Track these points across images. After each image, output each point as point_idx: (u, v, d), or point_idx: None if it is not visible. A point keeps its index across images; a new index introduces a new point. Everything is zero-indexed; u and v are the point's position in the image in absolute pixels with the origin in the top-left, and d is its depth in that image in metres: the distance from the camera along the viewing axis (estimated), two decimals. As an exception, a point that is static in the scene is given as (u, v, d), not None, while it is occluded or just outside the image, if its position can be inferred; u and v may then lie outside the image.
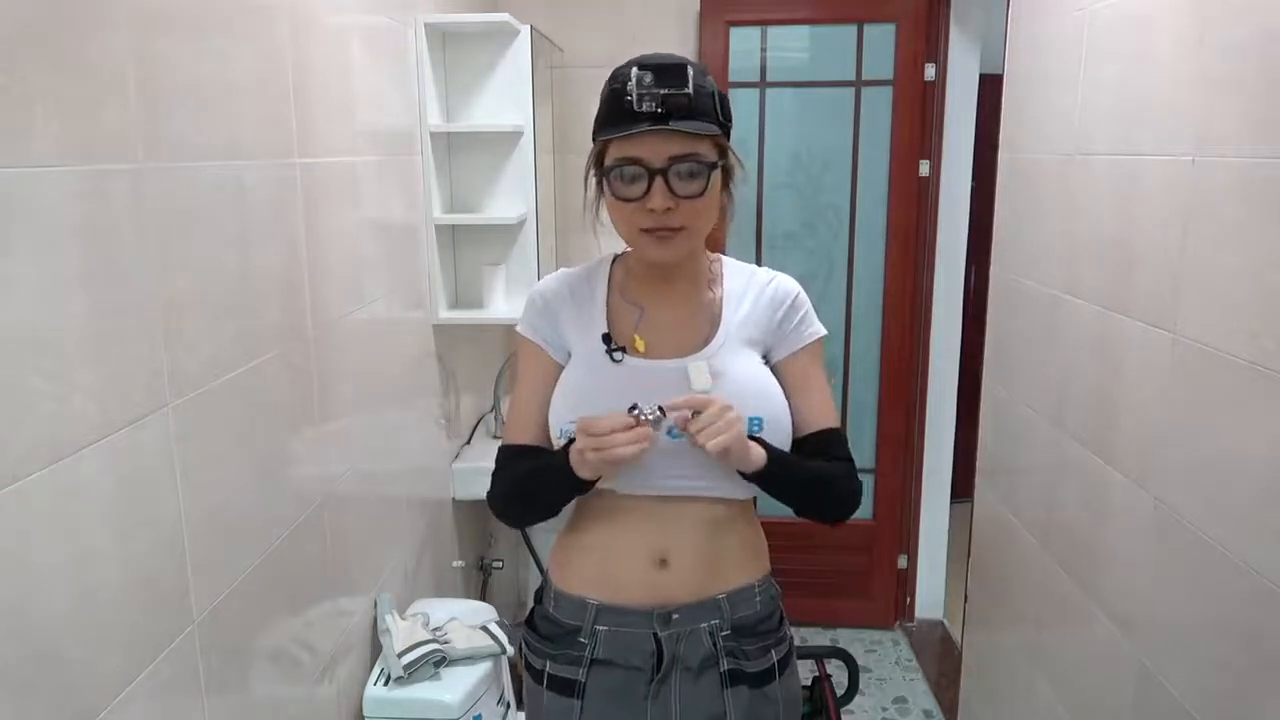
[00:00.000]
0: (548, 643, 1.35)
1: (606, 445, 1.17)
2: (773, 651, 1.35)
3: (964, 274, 3.30)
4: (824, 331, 1.37)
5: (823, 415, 1.35)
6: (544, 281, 1.39)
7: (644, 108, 1.16)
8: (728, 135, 1.25)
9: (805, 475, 1.31)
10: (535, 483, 1.33)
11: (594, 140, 1.25)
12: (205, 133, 1.32)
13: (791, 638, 1.42)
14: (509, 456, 1.37)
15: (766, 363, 1.34)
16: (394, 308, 2.20)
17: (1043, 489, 2.12)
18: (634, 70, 1.17)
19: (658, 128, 1.16)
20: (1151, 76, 1.64)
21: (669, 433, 1.19)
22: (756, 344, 1.33)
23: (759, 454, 1.24)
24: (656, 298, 1.33)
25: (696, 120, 1.18)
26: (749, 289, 1.35)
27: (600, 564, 1.33)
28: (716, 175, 1.23)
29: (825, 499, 1.35)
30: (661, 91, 1.16)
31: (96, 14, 1.08)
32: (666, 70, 1.17)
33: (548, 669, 1.34)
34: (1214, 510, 1.45)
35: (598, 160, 1.26)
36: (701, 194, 1.21)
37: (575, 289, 1.36)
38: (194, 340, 1.29)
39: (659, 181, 1.19)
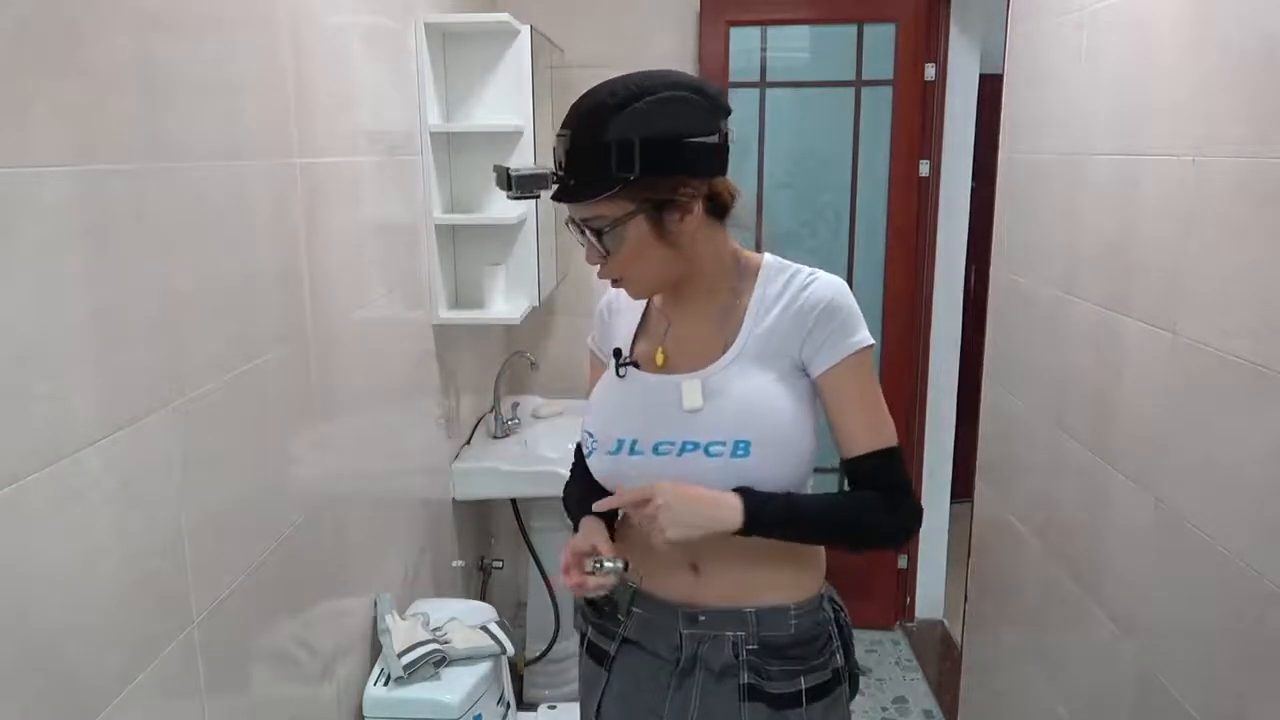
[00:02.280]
0: (594, 612, 1.42)
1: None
2: (803, 678, 1.29)
3: (964, 274, 3.30)
4: (868, 341, 1.24)
5: (867, 437, 1.25)
6: (606, 292, 1.42)
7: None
8: (657, 179, 1.16)
9: (816, 524, 1.25)
10: (573, 518, 1.42)
11: None
12: (205, 133, 1.32)
13: (839, 668, 1.34)
14: (576, 461, 1.49)
15: (806, 376, 1.26)
16: (394, 307, 2.20)
17: (1043, 489, 2.12)
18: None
19: (562, 199, 1.22)
20: (1151, 76, 1.64)
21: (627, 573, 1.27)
22: (777, 356, 1.25)
23: (731, 517, 1.19)
24: (679, 310, 1.33)
25: (582, 187, 1.19)
26: (782, 296, 1.27)
27: (641, 556, 1.31)
28: (632, 226, 1.18)
29: (855, 540, 1.32)
30: (543, 172, 1.21)
31: (96, 14, 1.08)
32: (555, 150, 1.20)
33: (589, 634, 1.43)
34: (1214, 510, 1.45)
35: None
36: (605, 253, 1.22)
37: (624, 301, 1.39)
38: (194, 340, 1.29)
39: (587, 236, 1.22)
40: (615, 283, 1.28)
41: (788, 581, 1.32)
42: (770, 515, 1.21)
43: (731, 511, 1.19)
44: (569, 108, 1.20)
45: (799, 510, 1.23)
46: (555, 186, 1.21)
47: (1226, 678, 1.43)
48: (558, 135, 1.20)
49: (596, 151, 1.15)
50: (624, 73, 1.20)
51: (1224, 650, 1.43)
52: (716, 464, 1.23)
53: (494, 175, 1.24)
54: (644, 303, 1.38)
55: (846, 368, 1.24)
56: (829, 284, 1.26)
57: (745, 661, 1.29)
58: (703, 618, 1.31)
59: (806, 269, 1.29)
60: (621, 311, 1.41)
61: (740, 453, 1.22)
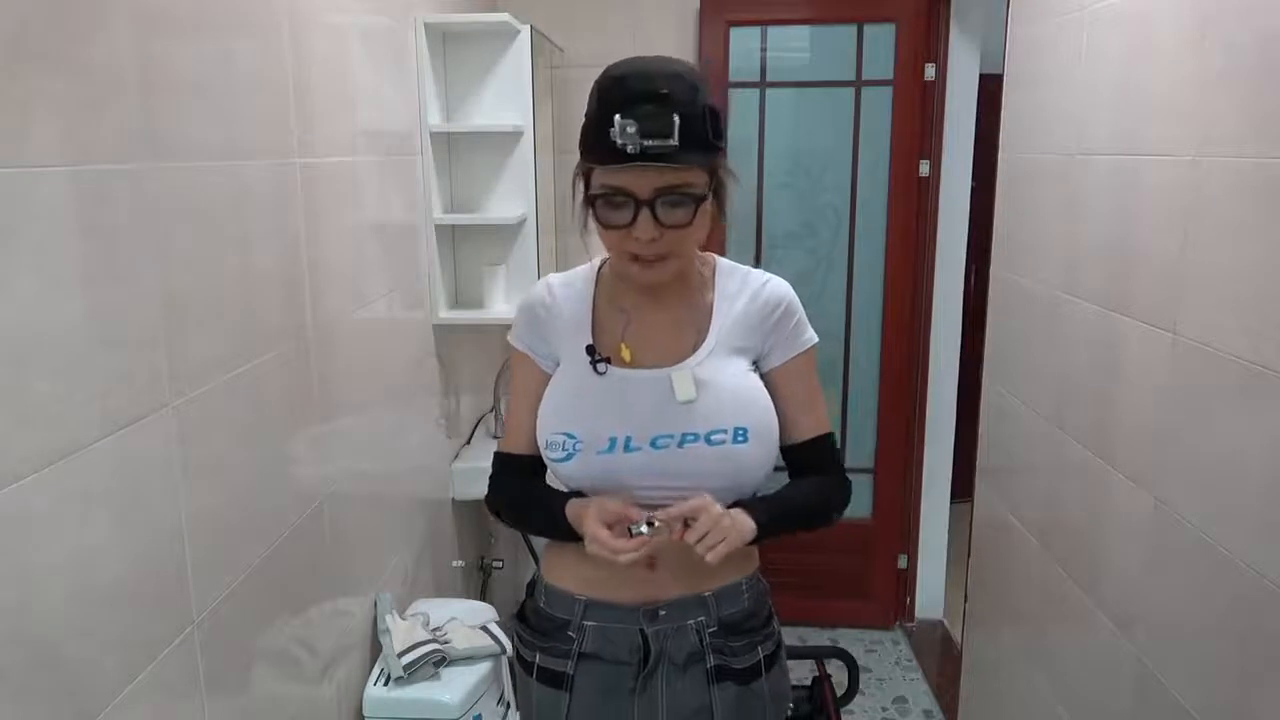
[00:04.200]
0: (538, 635, 1.37)
1: (610, 552, 1.20)
2: (759, 648, 1.35)
3: (964, 274, 3.30)
4: (816, 339, 1.36)
5: (815, 423, 1.35)
6: (533, 290, 1.38)
7: (629, 150, 1.13)
8: (722, 153, 1.22)
9: (796, 517, 1.33)
10: (533, 519, 1.38)
11: (581, 156, 1.22)
12: (205, 133, 1.32)
13: (780, 635, 1.42)
14: (503, 467, 1.42)
15: (758, 369, 1.33)
16: (394, 308, 2.20)
17: (1043, 489, 2.12)
18: (617, 118, 1.12)
19: (646, 164, 1.14)
20: (1151, 76, 1.64)
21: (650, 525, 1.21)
22: (746, 350, 1.31)
23: (750, 530, 1.24)
24: (644, 304, 1.32)
25: (684, 154, 1.15)
26: (742, 292, 1.33)
27: (590, 561, 1.31)
28: (708, 200, 1.21)
29: (815, 524, 1.37)
30: (645, 142, 1.12)
31: (96, 14, 1.08)
32: (652, 119, 1.12)
33: (537, 661, 1.36)
34: (1214, 510, 1.45)
35: (585, 179, 1.23)
36: (689, 223, 1.20)
37: (563, 297, 1.35)
38: (194, 340, 1.29)
39: (645, 212, 1.17)
40: (649, 262, 1.21)
41: (737, 557, 1.34)
42: (769, 518, 1.27)
43: (747, 522, 1.24)
44: (623, 92, 1.15)
45: (784, 505, 1.31)
46: (635, 146, 1.13)
47: (1226, 677, 1.43)
48: (641, 111, 1.12)
49: (696, 116, 1.15)
50: None
51: (1224, 650, 1.43)
52: (718, 452, 1.25)
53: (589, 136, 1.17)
54: (589, 301, 1.34)
55: (801, 362, 1.34)
56: (783, 284, 1.35)
57: (709, 645, 1.32)
58: (663, 612, 1.31)
59: (755, 269, 1.37)
60: (561, 312, 1.34)
61: (740, 439, 1.25)
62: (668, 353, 1.30)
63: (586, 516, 1.23)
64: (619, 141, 1.13)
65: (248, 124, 1.45)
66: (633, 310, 1.32)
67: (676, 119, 1.13)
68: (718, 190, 1.24)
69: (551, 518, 1.30)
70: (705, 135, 1.17)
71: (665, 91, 1.14)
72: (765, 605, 1.40)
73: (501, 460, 1.42)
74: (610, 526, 1.21)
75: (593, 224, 1.25)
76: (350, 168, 1.90)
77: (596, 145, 1.17)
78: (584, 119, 1.21)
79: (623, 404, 1.27)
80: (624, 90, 1.15)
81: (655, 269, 1.23)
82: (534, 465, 1.38)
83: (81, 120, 1.05)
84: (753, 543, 1.26)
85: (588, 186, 1.23)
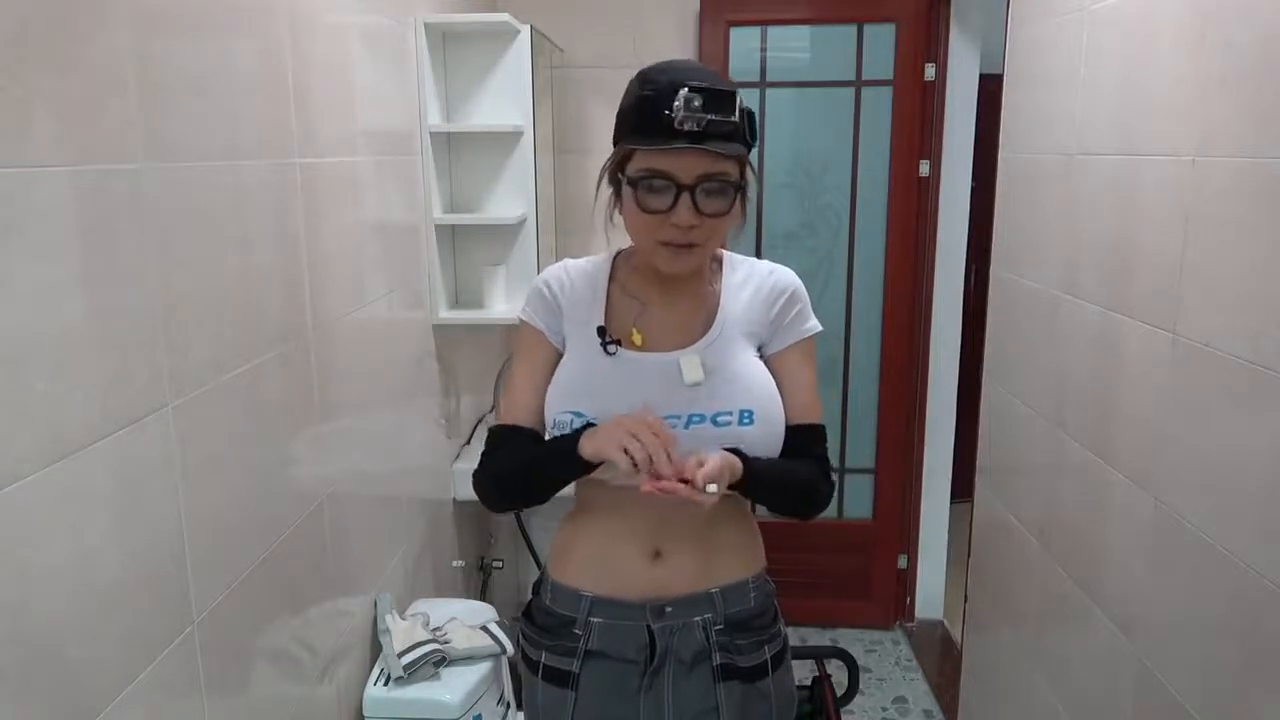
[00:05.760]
0: (544, 634, 1.37)
1: (642, 435, 1.16)
2: (766, 648, 1.36)
3: (964, 274, 3.30)
4: (819, 328, 1.37)
5: (808, 410, 1.36)
6: (549, 270, 1.40)
7: (686, 127, 1.16)
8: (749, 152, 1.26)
9: (782, 483, 1.32)
10: (534, 465, 1.32)
11: (616, 143, 1.25)
12: (205, 133, 1.32)
13: (786, 635, 1.42)
14: (501, 438, 1.37)
15: (761, 354, 1.35)
16: (394, 308, 2.20)
17: (1043, 489, 2.12)
18: (683, 91, 1.15)
19: (694, 146, 1.17)
20: (1151, 76, 1.64)
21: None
22: (753, 336, 1.34)
23: (739, 466, 1.23)
24: (656, 292, 1.35)
25: (731, 142, 1.19)
26: (749, 281, 1.36)
27: (596, 556, 1.34)
28: (739, 192, 1.25)
29: (797, 503, 1.36)
30: (708, 116, 1.16)
31: (96, 14, 1.08)
32: (717, 97, 1.17)
33: (543, 660, 1.36)
34: (1214, 510, 1.45)
35: (620, 164, 1.25)
36: (727, 212, 1.23)
37: (578, 281, 1.37)
38: (194, 340, 1.29)
39: (686, 197, 1.20)
40: (679, 249, 1.24)
41: (743, 555, 1.38)
42: (759, 465, 1.26)
43: (736, 459, 1.23)
44: (684, 75, 1.18)
45: (773, 464, 1.30)
46: (695, 122, 1.16)
47: (1226, 677, 1.43)
48: (709, 88, 1.16)
49: (740, 110, 1.20)
50: (624, 72, 1.24)
51: (1224, 650, 1.43)
52: (722, 433, 1.27)
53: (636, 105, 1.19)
54: (603, 287, 1.36)
55: (801, 349, 1.36)
56: (790, 273, 1.39)
57: (716, 643, 1.33)
58: (669, 609, 1.32)
59: (761, 260, 1.40)
60: (575, 294, 1.35)
61: (746, 421, 1.27)
62: (678, 339, 1.32)
63: (620, 419, 1.19)
64: (680, 115, 1.15)
65: (248, 124, 1.45)
66: (645, 299, 1.35)
67: (739, 99, 1.18)
68: (743, 188, 1.26)
69: (565, 454, 1.24)
70: (744, 130, 1.22)
71: (729, 89, 1.19)
72: (772, 605, 1.40)
73: (503, 433, 1.36)
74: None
75: (618, 216, 1.28)
76: (350, 168, 1.90)
77: (645, 126, 1.19)
78: (621, 108, 1.24)
79: (631, 385, 1.29)
80: (681, 74, 1.19)
81: (684, 257, 1.26)
82: (534, 439, 1.36)
83: (81, 120, 1.05)
84: (739, 488, 1.23)
85: (621, 172, 1.25)
